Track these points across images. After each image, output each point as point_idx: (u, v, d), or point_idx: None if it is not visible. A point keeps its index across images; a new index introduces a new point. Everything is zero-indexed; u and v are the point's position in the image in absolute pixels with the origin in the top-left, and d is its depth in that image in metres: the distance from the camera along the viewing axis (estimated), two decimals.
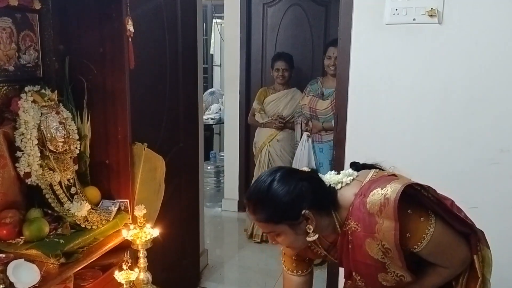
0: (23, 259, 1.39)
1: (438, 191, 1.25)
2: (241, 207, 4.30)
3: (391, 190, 1.16)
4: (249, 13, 4.09)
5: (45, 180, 1.62)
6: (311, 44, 3.97)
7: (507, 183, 1.98)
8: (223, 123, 4.66)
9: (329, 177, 1.32)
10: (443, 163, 2.05)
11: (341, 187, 1.30)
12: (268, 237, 1.34)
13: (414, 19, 2.01)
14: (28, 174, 1.58)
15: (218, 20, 5.93)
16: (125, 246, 1.62)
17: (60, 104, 1.72)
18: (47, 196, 1.63)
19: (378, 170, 1.33)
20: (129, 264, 1.50)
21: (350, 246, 1.26)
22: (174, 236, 2.27)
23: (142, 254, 1.54)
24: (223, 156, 4.71)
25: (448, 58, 2.00)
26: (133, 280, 1.51)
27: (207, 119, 5.36)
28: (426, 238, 1.18)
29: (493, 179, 2.00)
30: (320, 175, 1.33)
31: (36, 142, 1.59)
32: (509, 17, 1.89)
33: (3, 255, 1.35)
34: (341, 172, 1.34)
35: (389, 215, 1.15)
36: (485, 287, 1.28)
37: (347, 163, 1.82)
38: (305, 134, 3.31)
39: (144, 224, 1.56)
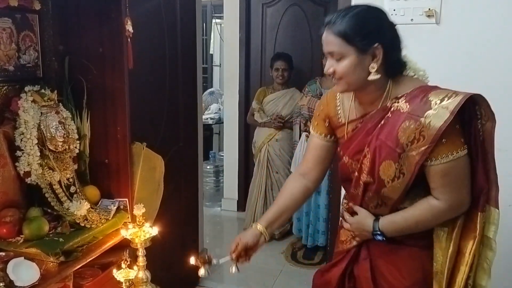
0: (23, 258, 1.39)
1: None
2: (240, 207, 4.31)
3: (462, 92, 1.16)
4: (248, 13, 4.10)
5: (45, 179, 1.63)
6: (310, 44, 3.97)
7: (506, 182, 1.98)
8: (223, 122, 4.67)
9: (407, 60, 1.30)
10: None
11: (412, 76, 1.29)
12: (327, 62, 1.30)
13: (412, 20, 2.02)
14: (28, 173, 1.58)
15: (218, 20, 5.93)
16: (124, 245, 1.63)
17: (60, 104, 1.73)
18: (46, 195, 1.63)
19: None
20: (128, 263, 1.51)
21: (382, 122, 1.25)
22: (173, 235, 2.27)
23: (141, 253, 1.55)
24: (223, 155, 4.72)
25: (446, 58, 2.00)
26: (132, 279, 1.52)
27: (207, 119, 5.36)
28: (451, 156, 1.18)
29: None
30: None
31: (36, 141, 1.59)
32: (507, 17, 1.90)
33: (3, 254, 1.37)
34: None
35: (448, 107, 1.14)
36: (485, 248, 1.27)
37: None
38: (304, 134, 3.32)
39: (143, 223, 1.57)
